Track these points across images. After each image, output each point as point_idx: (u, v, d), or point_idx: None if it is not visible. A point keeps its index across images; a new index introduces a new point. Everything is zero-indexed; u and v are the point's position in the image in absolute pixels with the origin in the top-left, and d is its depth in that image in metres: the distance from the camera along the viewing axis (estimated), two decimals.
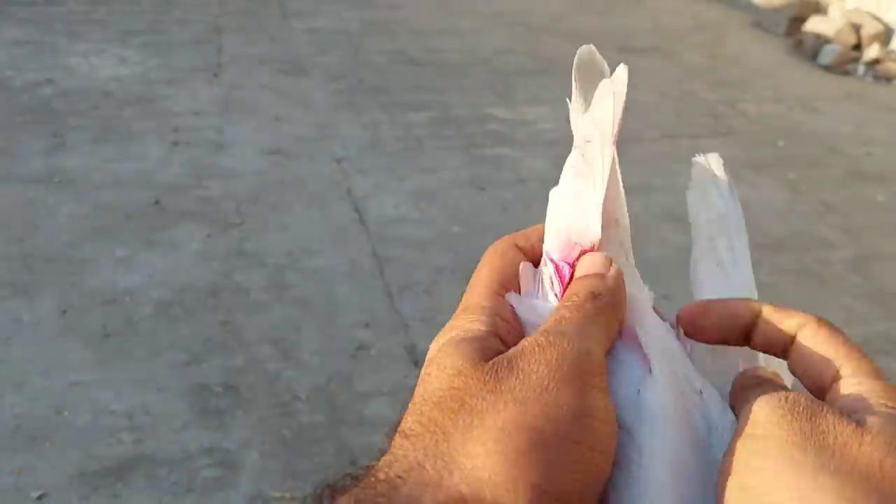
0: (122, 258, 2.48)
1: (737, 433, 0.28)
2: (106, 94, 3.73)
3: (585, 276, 0.33)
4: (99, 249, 2.51)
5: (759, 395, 0.28)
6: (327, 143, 3.37)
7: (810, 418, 0.27)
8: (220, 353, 2.09)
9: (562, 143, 3.51)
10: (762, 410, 0.28)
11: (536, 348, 0.28)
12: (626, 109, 0.36)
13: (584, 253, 0.34)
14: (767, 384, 0.31)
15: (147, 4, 5.16)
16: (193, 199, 2.87)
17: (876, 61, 4.93)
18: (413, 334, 2.21)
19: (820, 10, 5.63)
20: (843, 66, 4.95)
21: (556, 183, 0.38)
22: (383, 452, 0.27)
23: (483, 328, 0.31)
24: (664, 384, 0.30)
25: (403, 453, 0.26)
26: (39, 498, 1.65)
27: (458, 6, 5.69)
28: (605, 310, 0.31)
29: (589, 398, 0.27)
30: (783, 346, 0.32)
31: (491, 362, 0.28)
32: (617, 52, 4.95)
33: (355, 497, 0.25)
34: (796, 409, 0.27)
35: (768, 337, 0.33)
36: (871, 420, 0.27)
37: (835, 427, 0.26)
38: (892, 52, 5.04)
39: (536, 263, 0.35)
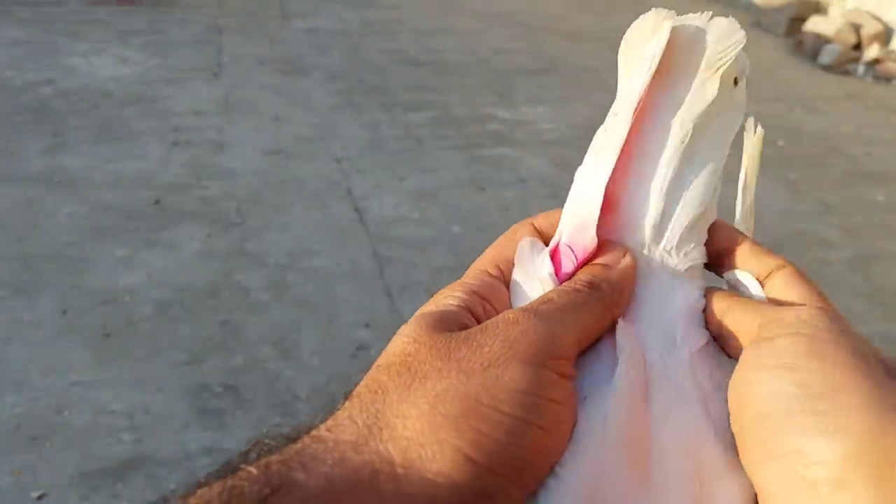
0: (122, 258, 2.48)
1: (774, 335, 0.29)
2: (106, 94, 3.73)
3: (594, 265, 0.32)
4: (99, 249, 2.51)
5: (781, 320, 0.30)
6: (327, 143, 3.37)
7: (843, 326, 0.30)
8: (220, 353, 2.09)
9: (562, 143, 3.51)
10: (804, 315, 0.30)
11: (500, 324, 0.28)
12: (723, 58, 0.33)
13: (601, 243, 0.33)
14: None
15: (147, 4, 5.16)
16: (193, 199, 2.87)
17: (876, 61, 4.93)
18: None
19: (820, 10, 5.63)
20: (843, 66, 4.95)
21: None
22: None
23: (455, 304, 0.31)
24: (619, 397, 0.29)
25: (341, 412, 0.26)
26: (39, 498, 1.65)
27: (458, 6, 5.69)
28: (597, 303, 0.31)
29: (541, 377, 0.27)
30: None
31: (448, 333, 0.28)
32: (617, 51, 4.94)
33: (283, 453, 0.25)
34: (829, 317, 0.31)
35: (745, 266, 0.34)
36: None
37: (855, 337, 0.30)
38: (892, 52, 5.04)
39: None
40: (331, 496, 0.23)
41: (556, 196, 3.05)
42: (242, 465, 0.24)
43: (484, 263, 0.33)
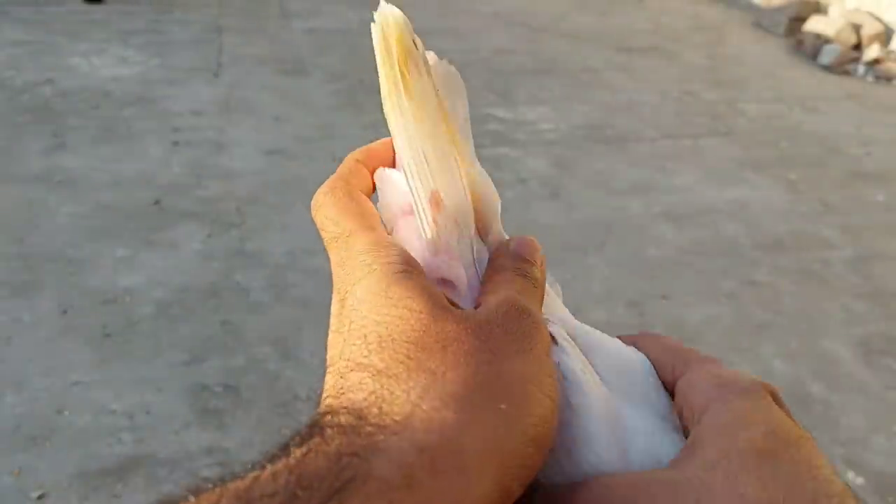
0: (122, 258, 2.48)
1: (705, 450, 0.28)
2: (106, 94, 3.73)
3: (524, 260, 0.33)
4: (99, 249, 2.51)
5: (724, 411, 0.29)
6: (327, 143, 3.37)
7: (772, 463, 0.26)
8: (220, 353, 2.09)
9: (562, 143, 3.51)
10: (724, 441, 0.27)
11: (514, 311, 0.29)
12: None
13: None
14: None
15: (147, 4, 5.16)
16: (193, 199, 2.87)
17: (876, 61, 4.93)
18: None
19: (820, 10, 5.63)
20: (843, 66, 4.95)
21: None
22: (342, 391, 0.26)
23: (401, 256, 0.30)
24: (589, 384, 0.31)
25: (390, 393, 0.25)
26: (39, 498, 1.65)
27: (458, 6, 5.69)
28: (540, 284, 0.33)
29: (544, 360, 0.29)
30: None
31: (469, 312, 0.29)
32: (617, 51, 4.95)
33: (350, 442, 0.23)
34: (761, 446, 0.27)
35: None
36: None
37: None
38: (892, 52, 5.04)
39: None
40: (413, 489, 0.22)
41: (556, 196, 3.05)
42: (304, 453, 0.23)
43: (359, 215, 0.33)
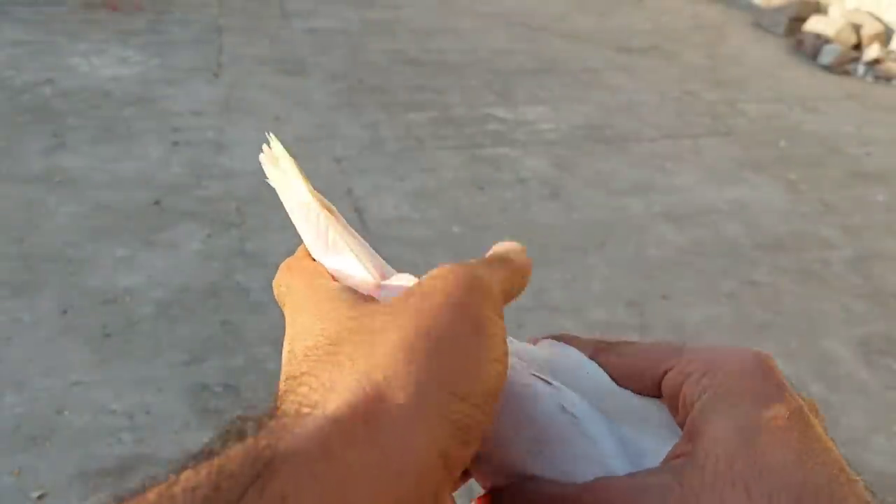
0: (122, 258, 2.48)
1: (693, 459, 0.28)
2: (106, 94, 3.73)
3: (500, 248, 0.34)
4: (99, 249, 2.51)
5: (719, 422, 0.28)
6: (327, 143, 3.37)
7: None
8: (220, 353, 2.09)
9: (562, 143, 3.51)
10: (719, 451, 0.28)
11: (435, 278, 0.30)
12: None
13: None
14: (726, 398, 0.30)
15: (147, 4, 5.16)
16: (193, 199, 2.87)
17: (876, 61, 4.93)
18: None
19: (820, 10, 5.63)
20: (843, 66, 4.95)
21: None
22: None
23: (341, 285, 0.32)
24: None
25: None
26: (39, 498, 1.65)
27: (458, 6, 5.69)
28: (510, 268, 0.33)
29: (481, 316, 0.28)
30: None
31: (391, 299, 0.29)
32: (617, 51, 4.95)
33: (268, 428, 0.24)
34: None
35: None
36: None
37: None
38: (892, 52, 5.04)
39: None
40: (333, 461, 0.23)
41: (556, 196, 3.05)
42: (226, 446, 0.24)
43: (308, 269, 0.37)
